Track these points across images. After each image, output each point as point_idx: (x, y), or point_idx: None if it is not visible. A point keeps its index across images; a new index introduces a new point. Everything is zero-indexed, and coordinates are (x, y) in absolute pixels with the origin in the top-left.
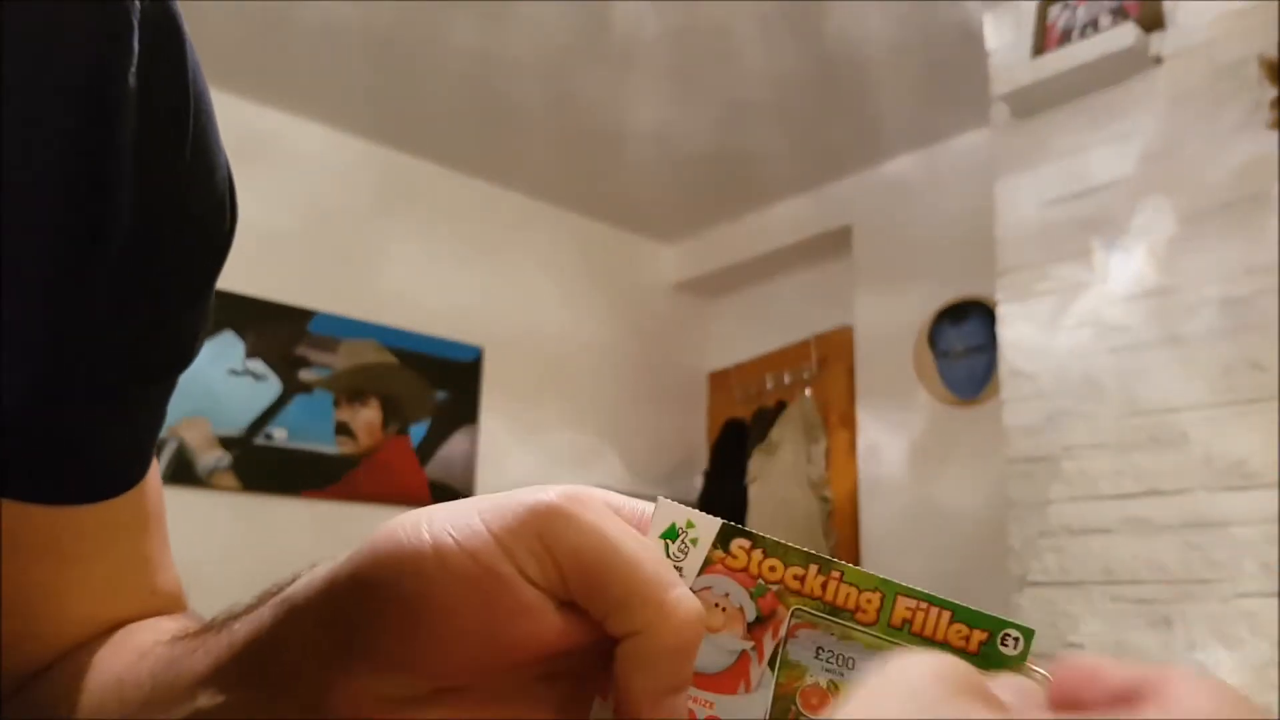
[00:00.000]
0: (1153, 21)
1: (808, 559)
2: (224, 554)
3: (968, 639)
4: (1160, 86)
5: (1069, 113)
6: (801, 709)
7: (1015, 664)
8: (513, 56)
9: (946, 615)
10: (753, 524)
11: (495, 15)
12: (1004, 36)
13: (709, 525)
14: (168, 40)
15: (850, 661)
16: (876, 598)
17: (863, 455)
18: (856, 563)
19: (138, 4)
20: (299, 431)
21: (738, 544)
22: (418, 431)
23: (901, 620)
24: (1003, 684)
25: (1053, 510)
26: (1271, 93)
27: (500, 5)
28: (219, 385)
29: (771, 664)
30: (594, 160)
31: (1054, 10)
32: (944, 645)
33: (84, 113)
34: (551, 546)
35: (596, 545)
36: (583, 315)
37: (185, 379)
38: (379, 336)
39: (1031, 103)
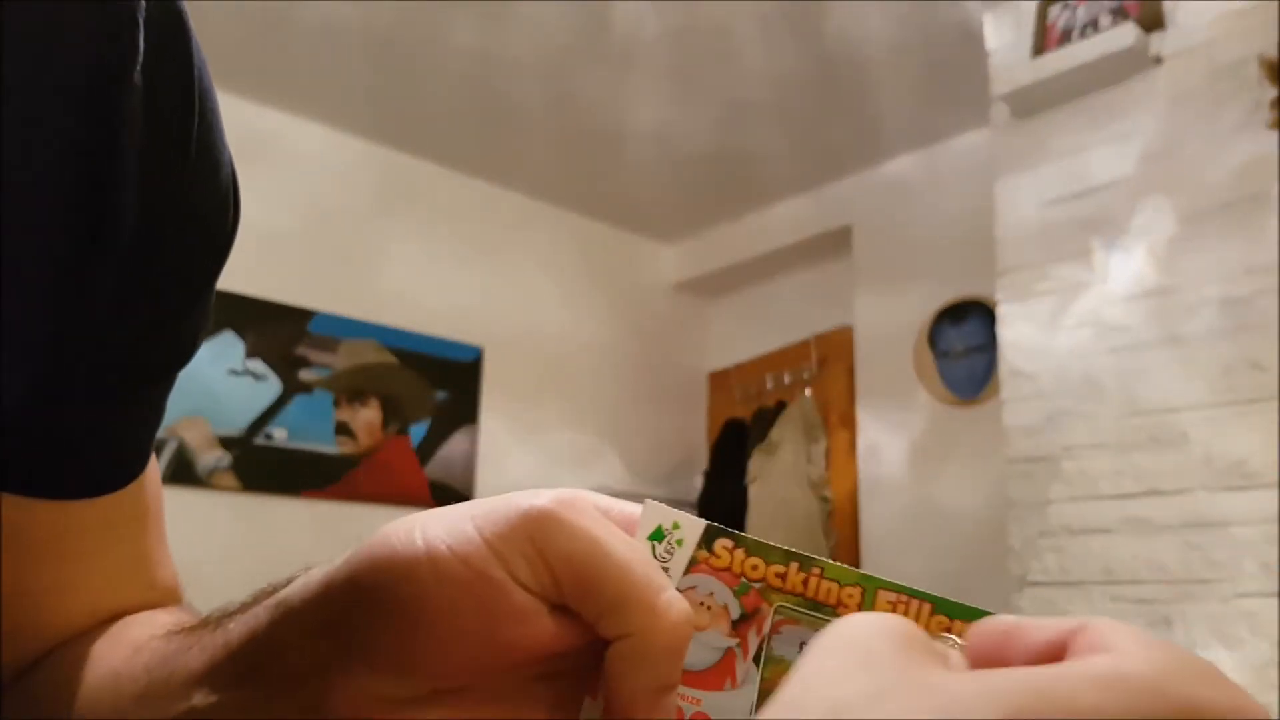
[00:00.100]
0: (1153, 21)
1: (788, 557)
2: (224, 554)
3: (949, 630)
4: (1160, 86)
5: (1069, 113)
6: None
7: None
8: (513, 56)
9: (927, 607)
10: (752, 524)
11: (495, 15)
12: (1004, 36)
13: (694, 526)
14: (173, 39)
15: None
16: (858, 592)
17: (863, 455)
18: (856, 563)
19: (142, 2)
20: (299, 431)
21: (721, 544)
22: (418, 431)
23: None
24: (938, 643)
25: (1053, 510)
26: (1271, 93)
27: (500, 5)
28: (219, 385)
29: (756, 660)
30: (594, 160)
31: (1054, 10)
32: None
33: (85, 113)
34: (544, 551)
35: (588, 550)
36: (583, 315)
37: (185, 379)
38: (379, 336)
39: (1031, 103)
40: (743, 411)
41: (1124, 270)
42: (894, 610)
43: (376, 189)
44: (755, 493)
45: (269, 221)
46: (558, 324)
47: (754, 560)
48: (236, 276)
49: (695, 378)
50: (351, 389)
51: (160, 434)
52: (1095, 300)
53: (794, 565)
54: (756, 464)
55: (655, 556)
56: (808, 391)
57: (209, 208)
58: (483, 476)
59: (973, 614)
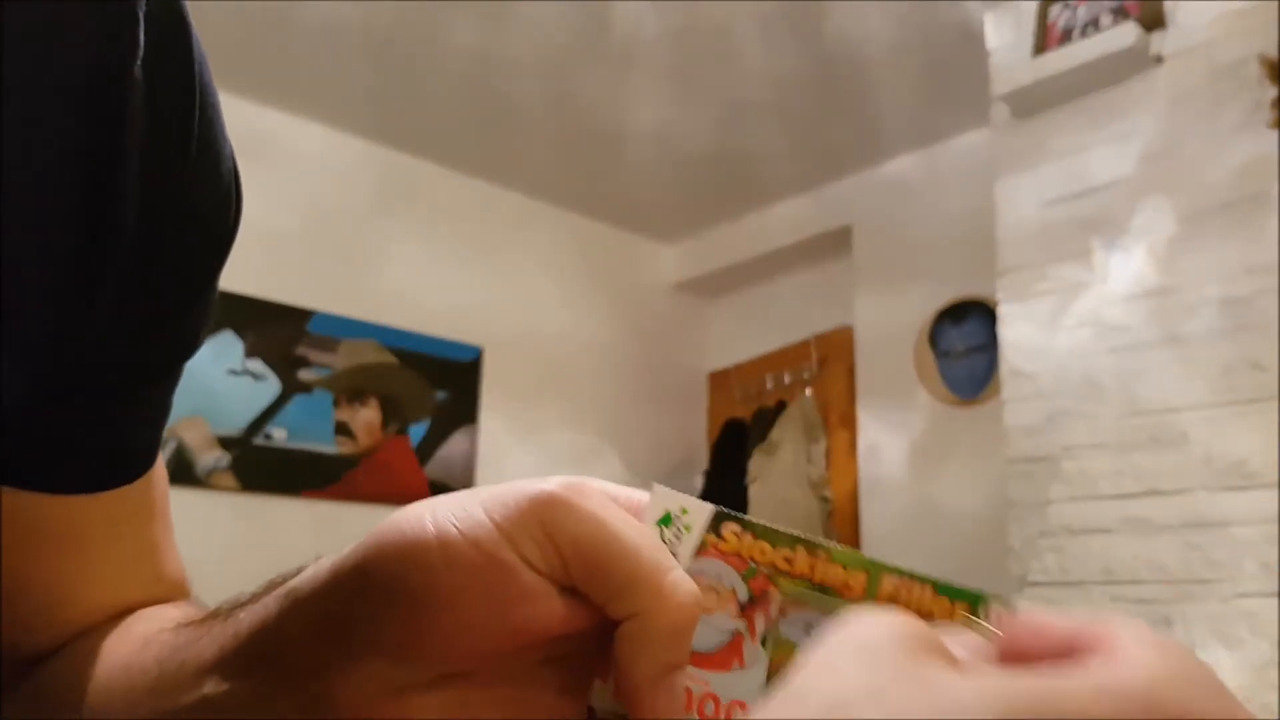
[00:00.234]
0: (1153, 21)
1: (795, 541)
2: (223, 554)
3: (951, 611)
4: (1160, 86)
5: (1069, 112)
6: None
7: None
8: (513, 57)
9: (929, 589)
10: None
11: (495, 15)
12: (1004, 36)
13: (702, 511)
14: (173, 36)
15: None
16: (863, 576)
17: (863, 455)
18: None
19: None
20: (298, 431)
21: (729, 528)
22: (417, 431)
23: (887, 597)
24: (954, 640)
25: (1053, 510)
26: (1272, 92)
27: (500, 5)
28: (218, 385)
29: (764, 642)
30: (594, 160)
31: (1054, 10)
32: (929, 618)
33: (85, 111)
34: (553, 534)
35: (596, 532)
36: (583, 315)
37: (184, 379)
38: (379, 336)
39: (1032, 102)
40: (743, 411)
41: (1124, 270)
42: (896, 592)
43: (376, 189)
44: (755, 493)
45: (269, 221)
46: (558, 324)
47: (761, 545)
48: (236, 276)
49: (695, 378)
50: (351, 389)
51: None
52: (1095, 300)
53: (800, 549)
54: (757, 464)
55: (663, 541)
56: (808, 391)
57: (210, 205)
58: (482, 476)
59: (972, 596)
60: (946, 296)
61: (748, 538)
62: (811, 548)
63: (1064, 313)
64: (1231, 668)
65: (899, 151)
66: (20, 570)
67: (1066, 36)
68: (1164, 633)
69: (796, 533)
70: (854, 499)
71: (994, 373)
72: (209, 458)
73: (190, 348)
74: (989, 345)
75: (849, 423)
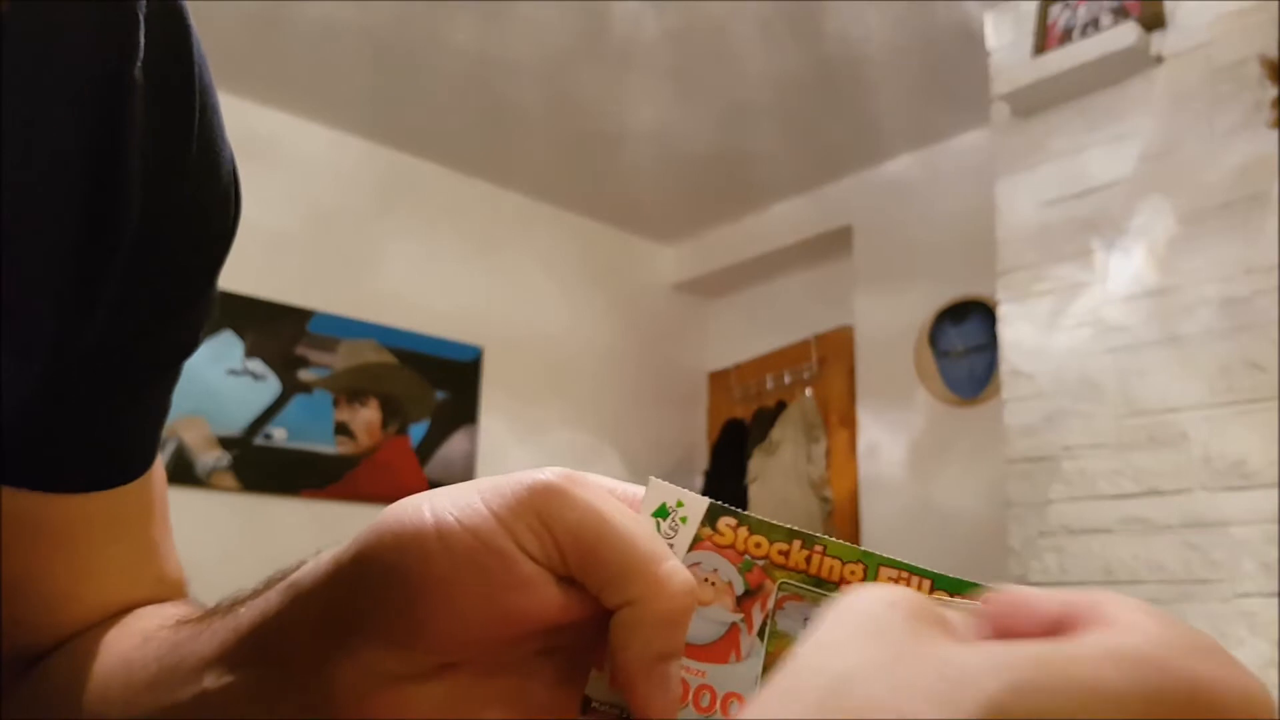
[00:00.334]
0: (1153, 21)
1: (791, 534)
2: (223, 554)
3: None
4: (1160, 86)
5: (1069, 113)
6: None
7: None
8: (513, 57)
9: (928, 583)
10: None
11: (495, 17)
12: (1004, 36)
13: (698, 504)
14: (174, 37)
15: None
16: (859, 569)
17: (863, 455)
18: None
19: (143, 0)
20: (298, 431)
21: (725, 522)
22: (417, 431)
23: None
24: (950, 612)
25: (1052, 510)
26: (1272, 92)
27: (500, 7)
28: (218, 385)
29: (761, 634)
30: (594, 161)
31: (1054, 10)
32: None
33: (86, 113)
34: (550, 523)
35: (593, 521)
36: (583, 315)
37: (184, 379)
38: (378, 336)
39: (1032, 102)
40: (743, 411)
41: (1123, 270)
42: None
43: (376, 189)
44: (755, 492)
45: (269, 221)
46: (558, 324)
47: (757, 538)
48: (236, 276)
49: (695, 378)
50: (351, 389)
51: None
52: (1095, 300)
53: (797, 543)
54: (757, 464)
55: (659, 533)
56: (808, 391)
57: (210, 204)
58: (483, 476)
59: (971, 588)
60: (946, 296)
61: (744, 531)
62: (808, 541)
63: (1063, 313)
64: None
65: (899, 151)
66: (20, 570)
67: (1066, 36)
68: None
69: (792, 526)
70: (854, 499)
71: (994, 372)
72: (209, 458)
73: (190, 347)
74: (989, 345)
75: (849, 422)
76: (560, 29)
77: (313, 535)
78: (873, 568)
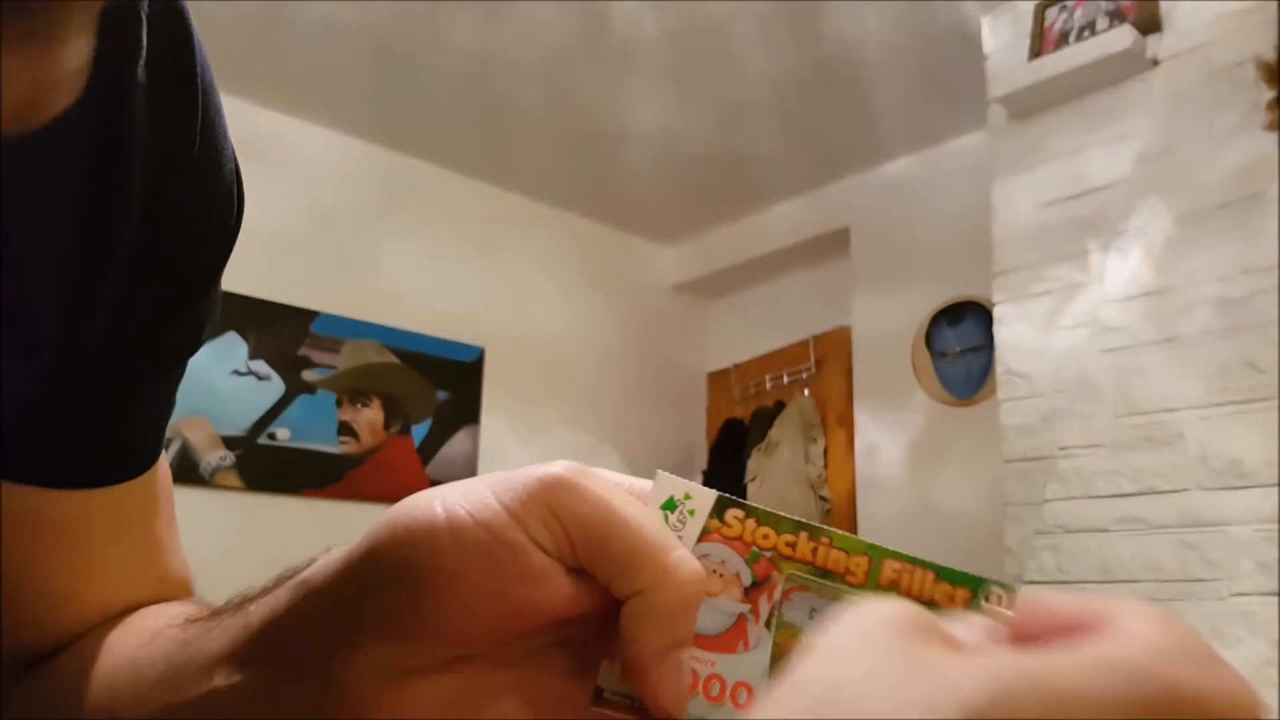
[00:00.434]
0: (1150, 24)
1: (798, 527)
2: (227, 552)
3: (952, 597)
4: (1157, 88)
5: (1066, 114)
6: None
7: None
8: (513, 58)
9: (931, 575)
10: None
11: (495, 18)
12: (1001, 39)
13: (705, 497)
14: (176, 35)
15: None
16: (865, 561)
17: (860, 455)
18: None
19: (145, 1)
20: (302, 431)
21: (732, 514)
22: (419, 431)
23: (889, 582)
24: (961, 623)
25: (1049, 509)
26: (1268, 94)
27: (500, 7)
28: (222, 386)
29: (768, 625)
30: (594, 162)
31: (1051, 13)
32: (930, 604)
33: (88, 113)
34: (560, 515)
35: (602, 513)
36: (583, 316)
37: (188, 380)
38: (381, 337)
39: (1029, 104)
40: (742, 411)
41: (1121, 271)
42: (898, 577)
43: (378, 190)
44: (754, 492)
45: (271, 223)
46: (558, 325)
47: (764, 530)
48: (240, 278)
49: (694, 378)
50: (354, 389)
51: (169, 421)
52: (1092, 301)
53: (803, 535)
54: (755, 463)
55: (668, 525)
56: (806, 391)
57: (212, 202)
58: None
59: (974, 582)
60: (943, 297)
61: (751, 523)
62: (814, 533)
63: (1060, 313)
64: None
65: (897, 153)
66: (23, 568)
67: (1063, 40)
68: None
69: (799, 518)
70: (851, 498)
71: (990, 373)
72: (213, 457)
73: (192, 346)
74: (985, 346)
75: (846, 422)
76: (560, 30)
77: (316, 534)
78: (877, 559)
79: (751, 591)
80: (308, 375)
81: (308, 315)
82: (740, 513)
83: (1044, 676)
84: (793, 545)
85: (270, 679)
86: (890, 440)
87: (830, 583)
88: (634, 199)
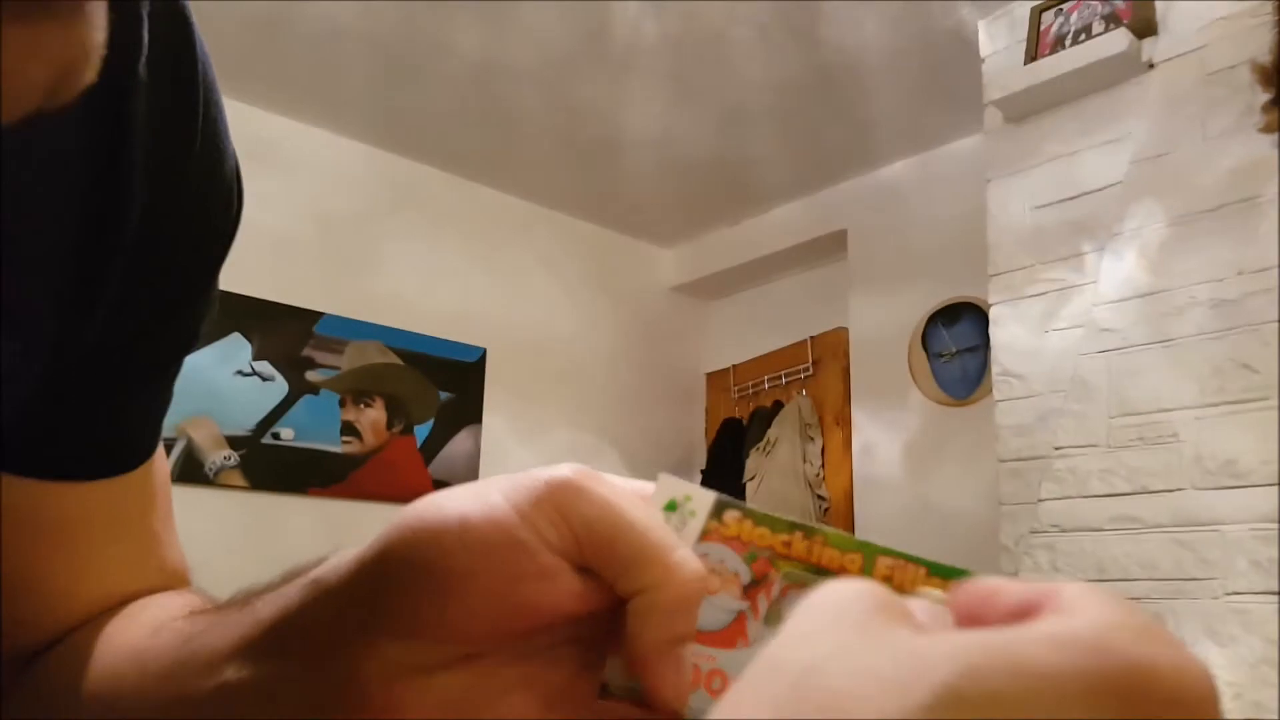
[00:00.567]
0: (1145, 27)
1: (793, 527)
2: (231, 551)
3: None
4: (1152, 91)
5: (1062, 117)
6: None
7: None
8: (515, 64)
9: (923, 571)
10: None
11: (498, 24)
12: (998, 43)
13: (705, 498)
14: (177, 34)
15: None
16: (858, 558)
17: (857, 454)
18: None
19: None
20: (305, 431)
21: (730, 515)
22: (422, 431)
23: (882, 578)
24: (916, 608)
25: (1044, 509)
26: (1263, 97)
27: (502, 13)
28: (227, 386)
29: (767, 621)
30: (594, 165)
31: (1048, 16)
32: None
33: (89, 110)
34: (567, 516)
35: (608, 514)
36: (584, 317)
37: (193, 380)
38: (384, 338)
39: (1024, 108)
40: (740, 411)
41: (1115, 272)
42: (890, 574)
43: (381, 193)
44: (753, 491)
45: (276, 225)
46: (559, 326)
47: (761, 530)
48: (244, 279)
49: (693, 378)
50: (357, 389)
51: (169, 433)
52: (1086, 302)
53: (798, 534)
54: (754, 463)
55: (669, 526)
56: (804, 391)
57: (213, 200)
58: (486, 475)
59: (965, 575)
60: (940, 298)
61: (748, 524)
62: (809, 532)
63: (1055, 314)
64: (1224, 665)
65: (893, 157)
66: (20, 561)
67: (1059, 43)
68: None
69: (794, 519)
70: (849, 497)
71: (986, 373)
72: (218, 456)
73: (190, 343)
74: (981, 346)
75: (844, 422)
76: (561, 35)
77: (319, 533)
78: (870, 557)
79: (750, 589)
80: (311, 376)
81: (311, 316)
82: (738, 513)
83: (1009, 653)
84: (788, 544)
85: (281, 674)
86: (887, 440)
87: (825, 580)
88: (634, 202)
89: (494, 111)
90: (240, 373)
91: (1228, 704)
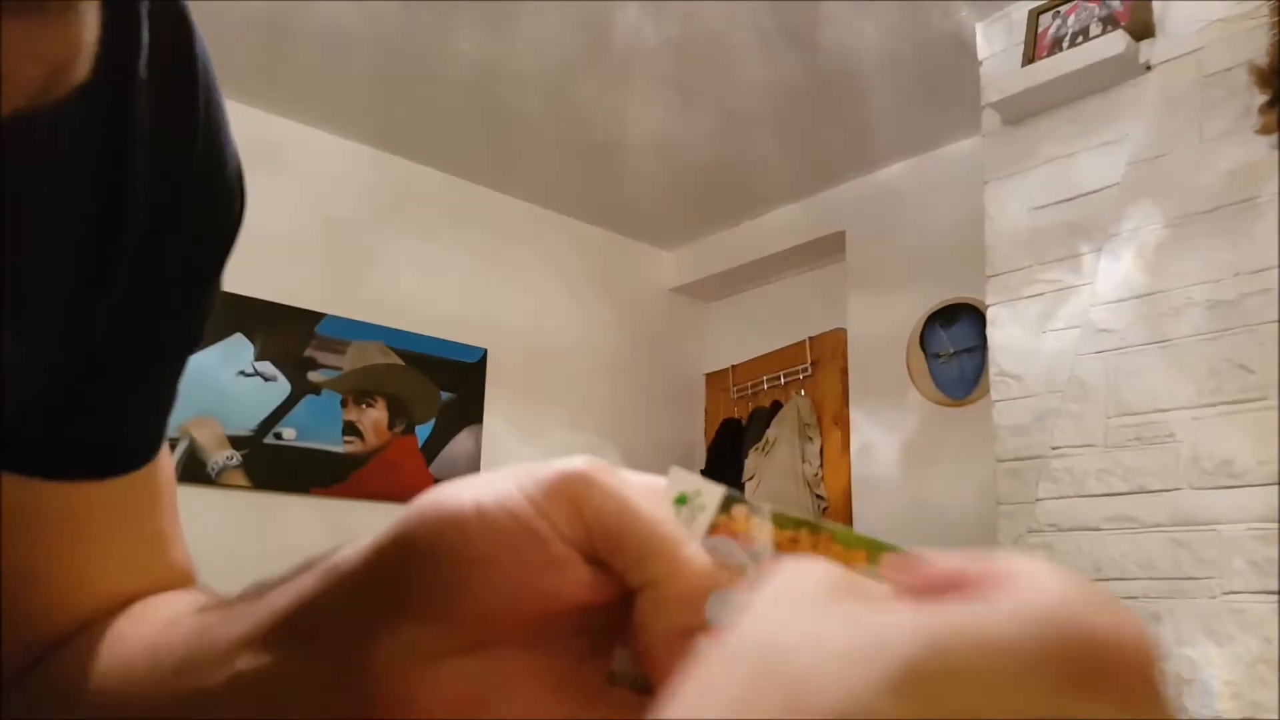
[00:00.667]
0: (1143, 29)
1: (799, 523)
2: (233, 550)
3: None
4: (1150, 93)
5: (1060, 119)
6: None
7: None
8: (516, 67)
9: None
10: None
11: (499, 28)
12: (995, 45)
13: (714, 493)
14: (177, 34)
15: None
16: (863, 554)
17: (856, 454)
18: None
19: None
20: (307, 431)
21: (738, 510)
22: (423, 431)
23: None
24: (871, 586)
25: (1041, 508)
26: (1260, 99)
27: (504, 18)
28: (229, 386)
29: None
30: (595, 168)
31: (1045, 19)
32: None
33: (91, 109)
34: (579, 507)
35: (620, 507)
36: (584, 318)
37: (196, 380)
38: (386, 338)
39: (1022, 110)
40: (739, 411)
41: (1112, 273)
42: None
43: (383, 195)
44: (752, 490)
45: (278, 227)
46: (560, 327)
47: (768, 525)
48: (247, 281)
49: (693, 379)
50: (359, 390)
51: (171, 433)
52: (1083, 303)
53: (804, 530)
54: (753, 463)
55: (679, 519)
56: (802, 392)
57: (215, 199)
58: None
59: None
60: (937, 299)
61: (755, 519)
62: (815, 529)
63: (1052, 315)
64: (1222, 664)
65: (892, 159)
66: (25, 560)
67: (1056, 45)
68: (1153, 629)
69: (801, 515)
70: (847, 496)
71: (983, 374)
72: (220, 456)
73: (194, 340)
74: (979, 347)
75: (842, 422)
76: (562, 39)
77: (321, 532)
78: (875, 554)
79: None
80: (313, 376)
81: (314, 317)
82: (746, 509)
83: (971, 627)
84: (795, 540)
85: (297, 659)
86: (885, 440)
87: None
88: (634, 204)
89: (495, 114)
90: (243, 373)
91: (1226, 703)
